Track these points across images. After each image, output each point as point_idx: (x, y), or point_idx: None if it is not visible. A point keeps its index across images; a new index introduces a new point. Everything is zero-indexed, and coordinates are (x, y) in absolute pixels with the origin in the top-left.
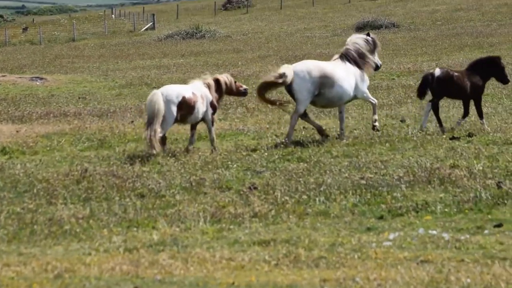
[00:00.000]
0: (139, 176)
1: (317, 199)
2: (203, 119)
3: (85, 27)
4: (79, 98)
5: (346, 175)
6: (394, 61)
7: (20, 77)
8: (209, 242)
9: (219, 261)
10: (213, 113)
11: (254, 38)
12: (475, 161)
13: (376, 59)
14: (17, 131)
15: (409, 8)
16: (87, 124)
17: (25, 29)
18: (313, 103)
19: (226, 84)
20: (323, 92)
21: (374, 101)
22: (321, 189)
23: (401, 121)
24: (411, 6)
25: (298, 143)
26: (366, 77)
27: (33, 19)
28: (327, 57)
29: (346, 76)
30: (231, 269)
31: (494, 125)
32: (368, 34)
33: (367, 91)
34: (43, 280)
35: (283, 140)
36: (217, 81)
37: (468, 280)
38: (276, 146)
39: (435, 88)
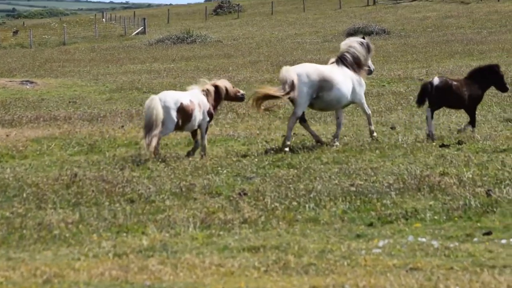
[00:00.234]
0: (129, 181)
1: (307, 205)
2: (199, 126)
3: (75, 31)
4: (69, 102)
5: (336, 181)
6: (384, 68)
7: (10, 81)
8: (199, 248)
9: (209, 267)
10: (209, 121)
11: (245, 43)
12: (464, 169)
13: (369, 63)
14: (7, 135)
15: (399, 15)
16: (77, 129)
17: (15, 32)
18: (311, 105)
19: (225, 90)
20: (321, 95)
21: (368, 111)
22: (311, 195)
23: (392, 128)
24: (402, 12)
25: (288, 149)
26: (363, 82)
27: (23, 22)
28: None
29: (344, 80)
30: (220, 275)
31: (484, 133)
32: (363, 38)
33: (363, 97)
34: (32, 285)
35: (282, 142)
36: (216, 87)
37: None
38: (266, 152)
39: (434, 97)
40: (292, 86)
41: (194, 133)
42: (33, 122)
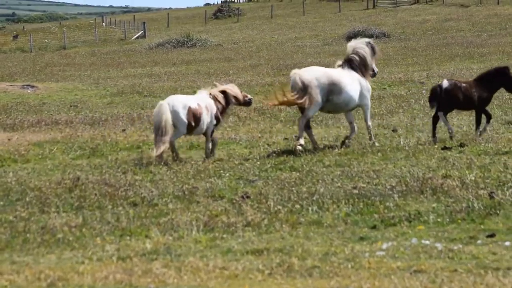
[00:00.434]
0: (132, 185)
1: (310, 208)
2: (205, 131)
3: (75, 35)
4: (70, 106)
5: (339, 184)
6: (385, 71)
7: (11, 85)
8: (202, 251)
9: (213, 270)
10: (216, 125)
11: (245, 47)
12: (467, 171)
13: (374, 65)
14: (8, 139)
15: (399, 18)
16: (79, 132)
17: (15, 37)
18: (320, 108)
19: (232, 95)
20: (331, 99)
21: (369, 123)
22: (314, 198)
23: (393, 130)
24: (402, 16)
25: (290, 152)
26: (369, 86)
27: (23, 27)
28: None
29: (352, 83)
30: (224, 278)
31: (486, 135)
32: (369, 40)
33: (369, 103)
34: None
35: (295, 142)
36: (224, 93)
37: None
38: (268, 155)
39: (444, 99)
40: (305, 90)
41: (205, 136)
42: (35, 126)
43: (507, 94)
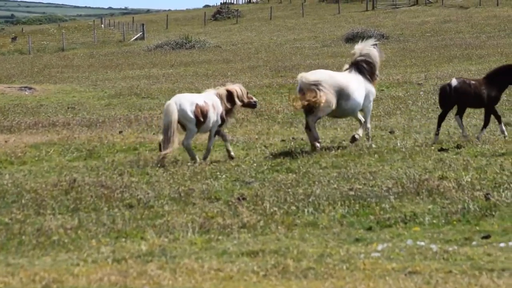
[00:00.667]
0: (128, 187)
1: (305, 210)
2: (210, 129)
3: (74, 36)
4: (68, 108)
5: (335, 186)
6: (383, 72)
7: (9, 87)
8: (198, 252)
9: (208, 272)
10: (221, 125)
11: (243, 48)
12: (463, 173)
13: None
14: (5, 141)
15: (398, 20)
16: (75, 134)
17: (14, 39)
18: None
19: (238, 95)
20: (340, 103)
21: (368, 125)
22: (310, 200)
23: (390, 132)
24: (400, 17)
25: (287, 154)
26: (374, 90)
27: (22, 29)
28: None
29: (359, 88)
30: (219, 279)
31: (482, 136)
32: (375, 44)
33: (371, 106)
34: None
35: (312, 142)
36: (229, 92)
37: None
38: (265, 157)
39: (453, 98)
40: (317, 86)
41: (218, 134)
42: (32, 128)
43: (504, 95)
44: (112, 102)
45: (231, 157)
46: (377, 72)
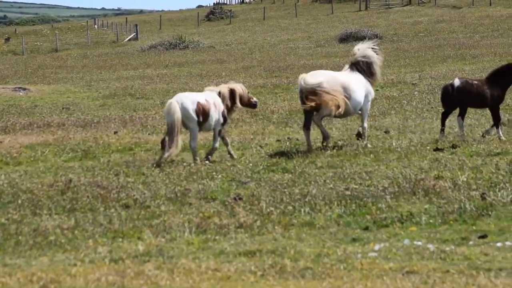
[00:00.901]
0: (124, 187)
1: (302, 210)
2: (214, 128)
3: (68, 37)
4: (62, 108)
5: (331, 186)
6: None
7: (3, 88)
8: (195, 252)
9: (205, 272)
10: (223, 124)
11: (237, 48)
12: (459, 173)
13: None
14: (0, 142)
15: (391, 20)
16: (71, 135)
17: (7, 40)
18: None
19: (240, 94)
20: None
21: (365, 125)
22: (306, 200)
23: (385, 132)
24: (394, 17)
25: (282, 154)
26: (373, 91)
27: (15, 30)
28: (312, 68)
29: (359, 87)
30: (216, 279)
31: (478, 136)
32: (375, 45)
33: (369, 107)
34: None
35: (322, 140)
36: (231, 91)
37: None
38: (261, 157)
39: (456, 98)
40: (321, 91)
41: (220, 134)
42: (27, 129)
43: None
44: (107, 102)
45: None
46: (378, 73)
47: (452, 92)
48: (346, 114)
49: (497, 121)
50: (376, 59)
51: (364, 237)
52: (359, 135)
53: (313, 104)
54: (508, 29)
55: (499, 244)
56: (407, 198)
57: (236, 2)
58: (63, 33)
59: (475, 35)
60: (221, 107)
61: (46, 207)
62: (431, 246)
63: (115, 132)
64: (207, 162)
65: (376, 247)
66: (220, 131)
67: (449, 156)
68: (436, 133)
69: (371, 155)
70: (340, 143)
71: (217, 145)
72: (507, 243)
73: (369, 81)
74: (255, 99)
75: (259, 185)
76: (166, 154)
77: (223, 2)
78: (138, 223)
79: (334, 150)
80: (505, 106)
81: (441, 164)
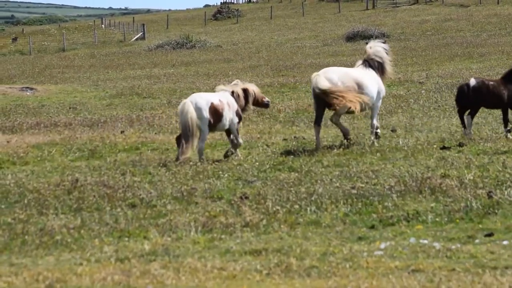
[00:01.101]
0: (130, 186)
1: (308, 208)
2: (229, 127)
3: (75, 37)
4: (69, 108)
5: (337, 184)
6: None
7: (10, 87)
8: (201, 251)
9: (211, 271)
10: (238, 122)
11: (244, 48)
12: (465, 171)
13: None
14: (7, 142)
15: (399, 18)
16: (77, 134)
17: (14, 39)
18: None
19: (253, 94)
20: None
21: (375, 122)
22: (312, 198)
23: (392, 130)
24: (401, 16)
25: (289, 153)
26: (384, 88)
27: (22, 29)
28: (319, 67)
29: (372, 83)
30: (222, 278)
31: (484, 135)
32: (384, 42)
33: (379, 104)
34: None
35: (345, 137)
36: (245, 91)
37: None
38: (267, 155)
39: (471, 98)
40: (336, 94)
41: (227, 133)
42: (34, 128)
43: None
44: (114, 102)
45: (235, 148)
46: (389, 71)
47: (468, 91)
48: (361, 110)
49: (506, 122)
50: (386, 58)
51: (370, 235)
52: (376, 135)
53: (336, 106)
54: None
55: (505, 242)
56: (413, 197)
57: (243, 1)
58: (70, 33)
59: (483, 34)
60: (235, 106)
61: (52, 207)
62: (437, 245)
63: (121, 132)
64: (236, 156)
65: (382, 246)
66: (237, 129)
67: (456, 155)
68: (443, 132)
69: (378, 153)
70: (346, 142)
71: (240, 140)
72: None
73: (380, 77)
74: (267, 98)
75: (266, 184)
76: (182, 158)
77: (230, 1)
78: (144, 222)
79: (341, 149)
80: None
81: (448, 163)
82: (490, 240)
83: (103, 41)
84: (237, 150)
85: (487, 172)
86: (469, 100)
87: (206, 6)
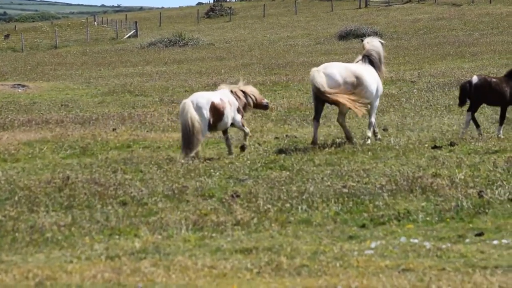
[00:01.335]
0: (121, 184)
1: (299, 207)
2: (233, 125)
3: (67, 34)
4: (61, 105)
5: (329, 183)
6: None
7: (2, 84)
8: (191, 250)
9: (201, 269)
10: (242, 117)
11: (237, 46)
12: (456, 170)
13: None
14: None
15: (391, 17)
16: (69, 132)
17: (6, 36)
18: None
19: (251, 95)
20: (356, 92)
21: (373, 121)
22: (304, 197)
23: (384, 129)
24: (394, 15)
25: (280, 151)
26: (381, 86)
27: (15, 26)
28: (311, 65)
29: (371, 79)
30: (213, 277)
31: (476, 134)
32: (381, 40)
33: (377, 103)
34: None
35: (348, 139)
36: (243, 93)
37: None
38: (259, 154)
39: (474, 95)
40: (338, 87)
41: (224, 131)
42: (25, 125)
43: None
44: (106, 99)
45: (245, 139)
46: (383, 68)
47: (470, 89)
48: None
49: (502, 120)
50: (383, 53)
51: (360, 234)
52: (375, 133)
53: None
54: (508, 27)
55: (495, 242)
56: (404, 196)
57: None
58: (63, 30)
59: (475, 33)
60: (236, 103)
61: (43, 204)
62: (427, 244)
63: (113, 129)
64: (244, 146)
65: (373, 245)
66: (242, 124)
67: (447, 154)
68: (434, 131)
69: (369, 152)
70: (338, 140)
71: (247, 129)
72: (504, 240)
73: (379, 74)
74: (266, 100)
75: (257, 183)
76: (190, 154)
77: None
78: (135, 220)
79: (332, 148)
80: None
81: (439, 162)
82: (480, 239)
83: (96, 39)
84: (245, 142)
85: (478, 172)
86: (471, 97)
87: (199, 4)
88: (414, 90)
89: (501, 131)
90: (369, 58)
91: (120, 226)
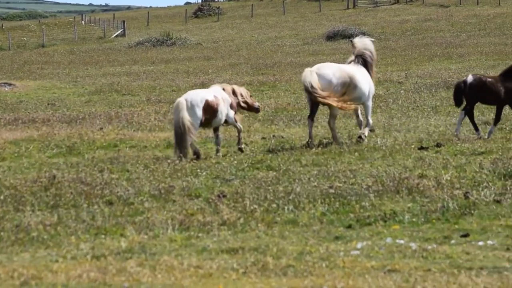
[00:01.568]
0: (108, 183)
1: (285, 207)
2: (226, 122)
3: (54, 33)
4: (48, 104)
5: (315, 184)
6: None
7: None
8: (177, 249)
9: (187, 269)
10: (235, 113)
11: (224, 46)
12: (443, 171)
13: None
14: None
15: (379, 18)
16: (55, 131)
17: None
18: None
19: (241, 95)
20: (348, 92)
21: (370, 121)
22: (290, 197)
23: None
24: (381, 16)
25: (267, 152)
26: (373, 86)
27: (1, 25)
28: (299, 65)
29: (363, 81)
30: (199, 277)
31: (462, 135)
32: (371, 40)
33: (371, 103)
34: (9, 287)
35: (336, 142)
36: (233, 91)
37: None
38: (245, 154)
39: (468, 95)
40: (330, 88)
41: (215, 128)
42: (11, 124)
43: None
44: (93, 98)
45: (239, 132)
46: (374, 68)
47: (465, 88)
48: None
49: (497, 120)
50: (374, 52)
51: (347, 235)
52: (360, 139)
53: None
54: (495, 28)
55: (481, 243)
56: (390, 197)
57: None
58: (50, 29)
59: (462, 34)
60: (229, 100)
61: (29, 203)
62: (413, 245)
63: (100, 129)
64: (242, 147)
65: (359, 245)
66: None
67: (434, 155)
68: (421, 132)
69: (356, 153)
70: (325, 141)
71: (240, 126)
72: (489, 242)
73: (371, 74)
74: (257, 103)
75: (243, 183)
76: (181, 153)
77: None
78: (121, 219)
79: (319, 148)
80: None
81: (425, 163)
82: (466, 240)
83: (83, 38)
84: (241, 141)
85: (464, 173)
86: (466, 97)
87: (187, 3)
88: (401, 91)
89: (492, 131)
90: (362, 58)
91: (106, 225)
